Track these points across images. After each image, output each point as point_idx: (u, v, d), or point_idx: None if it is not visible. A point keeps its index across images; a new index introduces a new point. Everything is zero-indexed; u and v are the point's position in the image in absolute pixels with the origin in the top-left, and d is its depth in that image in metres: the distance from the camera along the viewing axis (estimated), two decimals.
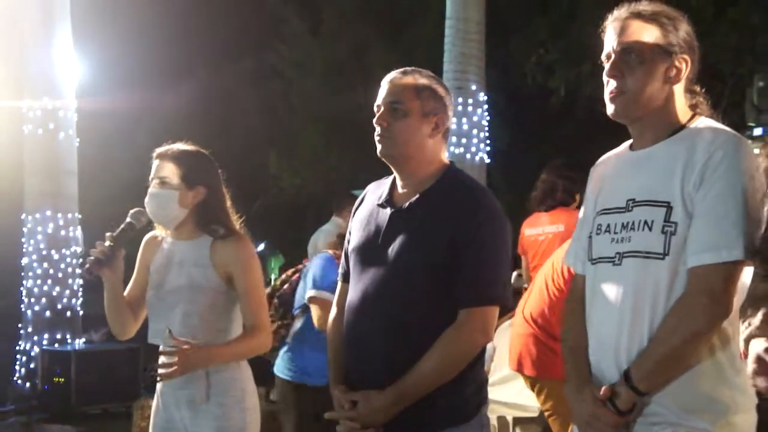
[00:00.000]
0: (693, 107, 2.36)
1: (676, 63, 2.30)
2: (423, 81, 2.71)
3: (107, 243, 3.16)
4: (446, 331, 2.54)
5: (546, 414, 4.50)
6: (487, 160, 9.62)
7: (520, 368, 4.50)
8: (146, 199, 3.21)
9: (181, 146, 3.27)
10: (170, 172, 3.18)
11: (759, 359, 1.93)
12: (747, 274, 2.35)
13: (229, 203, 3.31)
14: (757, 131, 7.80)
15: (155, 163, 3.23)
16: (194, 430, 3.14)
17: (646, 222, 2.23)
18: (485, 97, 9.59)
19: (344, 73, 15.13)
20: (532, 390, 4.49)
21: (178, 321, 3.14)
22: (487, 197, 2.68)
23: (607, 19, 2.37)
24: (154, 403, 3.28)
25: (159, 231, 3.35)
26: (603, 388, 2.21)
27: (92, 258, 3.14)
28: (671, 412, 2.18)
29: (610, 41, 2.34)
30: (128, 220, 3.24)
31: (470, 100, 9.38)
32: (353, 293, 2.72)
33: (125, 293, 3.33)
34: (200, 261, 3.17)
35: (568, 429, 4.28)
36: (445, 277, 2.57)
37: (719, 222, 2.15)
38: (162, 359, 3.07)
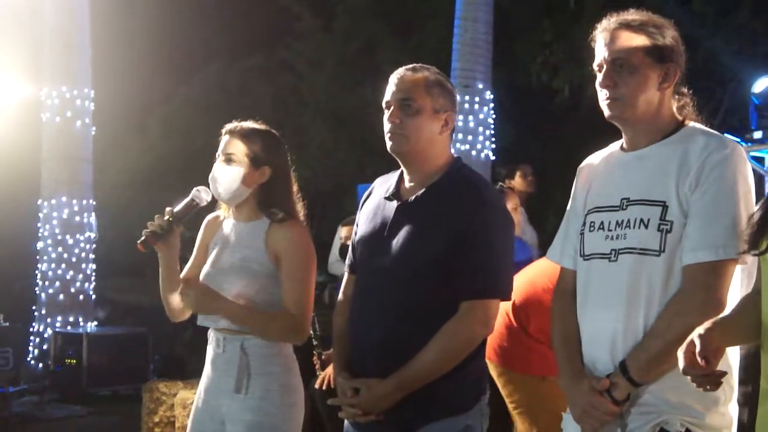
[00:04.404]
0: (680, 109, 2.43)
1: (665, 70, 2.37)
2: (433, 77, 2.72)
3: (166, 217, 3.04)
4: (448, 323, 2.59)
5: (511, 407, 4.43)
6: (492, 157, 9.74)
7: (490, 357, 4.31)
8: (210, 175, 3.10)
9: (251, 124, 3.16)
10: (238, 149, 3.07)
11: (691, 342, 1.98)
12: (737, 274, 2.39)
13: (295, 187, 3.19)
14: (757, 135, 7.90)
15: (224, 138, 3.12)
16: (231, 419, 3.03)
17: (641, 220, 2.29)
18: (491, 96, 9.75)
19: (354, 69, 15.23)
20: (498, 381, 4.40)
21: None
22: (491, 192, 2.74)
23: (597, 28, 2.43)
24: (198, 389, 3.19)
25: (221, 211, 3.24)
26: (602, 380, 2.28)
27: (149, 230, 3.03)
28: (665, 403, 2.25)
29: (600, 51, 2.39)
30: (190, 197, 3.11)
31: (477, 98, 9.56)
32: (359, 283, 2.80)
33: (183, 274, 3.20)
34: (255, 243, 3.06)
35: (533, 426, 4.28)
36: (449, 269, 2.60)
37: (716, 221, 2.22)
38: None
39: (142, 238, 3.02)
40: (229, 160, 3.06)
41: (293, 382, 3.09)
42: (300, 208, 3.18)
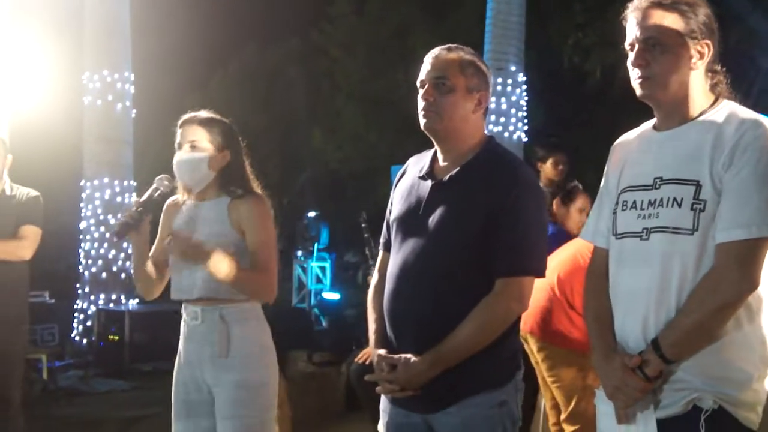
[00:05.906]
0: (714, 87, 2.39)
1: (698, 48, 2.32)
2: (468, 57, 2.73)
3: (135, 208, 3.23)
4: (483, 300, 2.58)
5: (550, 381, 4.51)
6: (525, 139, 9.83)
7: (533, 331, 4.47)
8: (176, 163, 3.26)
9: (205, 113, 3.33)
10: (200, 136, 3.25)
11: None
12: None
13: (248, 168, 3.37)
14: None
15: (180, 130, 3.29)
16: (216, 384, 3.20)
17: (674, 199, 2.26)
18: (524, 78, 9.83)
19: (387, 53, 15.34)
20: (538, 354, 4.49)
21: (200, 277, 3.18)
22: (524, 170, 2.72)
23: (628, 7, 2.39)
24: (176, 361, 3.33)
25: (180, 195, 3.39)
26: (634, 357, 2.25)
27: (121, 222, 3.23)
28: (698, 380, 2.22)
29: (632, 31, 2.35)
30: (154, 186, 3.29)
31: (509, 80, 9.66)
32: (394, 262, 2.77)
33: (149, 255, 3.41)
34: (219, 218, 3.24)
35: (572, 400, 4.40)
36: (483, 247, 2.59)
37: (750, 200, 2.18)
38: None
39: (116, 229, 3.24)
40: (193, 147, 3.24)
41: (269, 343, 3.31)
42: (257, 186, 3.36)
